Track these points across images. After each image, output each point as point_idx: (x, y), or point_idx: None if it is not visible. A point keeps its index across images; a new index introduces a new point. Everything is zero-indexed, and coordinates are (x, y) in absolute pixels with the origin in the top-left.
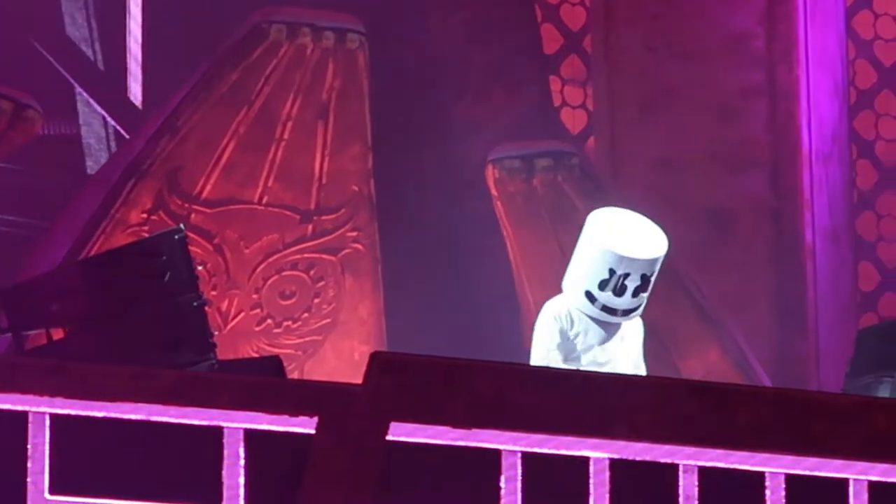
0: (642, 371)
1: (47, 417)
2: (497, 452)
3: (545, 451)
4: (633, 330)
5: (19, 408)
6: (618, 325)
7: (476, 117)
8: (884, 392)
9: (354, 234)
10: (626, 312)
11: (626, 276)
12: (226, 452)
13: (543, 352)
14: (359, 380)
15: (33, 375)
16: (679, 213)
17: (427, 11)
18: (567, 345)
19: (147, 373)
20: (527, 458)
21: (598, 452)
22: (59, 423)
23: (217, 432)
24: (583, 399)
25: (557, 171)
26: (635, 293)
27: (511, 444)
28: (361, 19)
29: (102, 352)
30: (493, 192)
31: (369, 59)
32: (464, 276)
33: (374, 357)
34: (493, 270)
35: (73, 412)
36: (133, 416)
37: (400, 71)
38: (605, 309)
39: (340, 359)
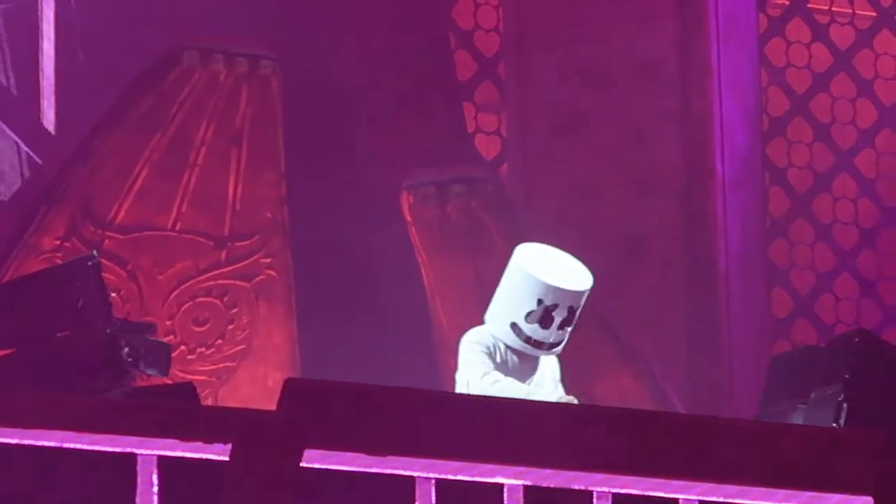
0: None
1: None
2: (411, 479)
3: (459, 477)
4: (549, 365)
5: None
6: (536, 359)
7: (390, 143)
8: (797, 419)
9: (268, 260)
10: (550, 346)
11: (555, 307)
12: (139, 479)
13: (477, 376)
14: (273, 406)
15: None
16: (593, 239)
17: (341, 37)
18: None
19: (60, 399)
20: (441, 485)
21: (512, 479)
22: None
23: (130, 459)
24: (496, 426)
25: (472, 198)
26: (561, 326)
27: (425, 472)
28: (275, 46)
29: (15, 378)
30: (408, 218)
31: (283, 85)
32: (378, 303)
33: (288, 383)
34: (407, 296)
35: None
36: (46, 443)
37: (314, 97)
38: (529, 341)
39: (254, 385)
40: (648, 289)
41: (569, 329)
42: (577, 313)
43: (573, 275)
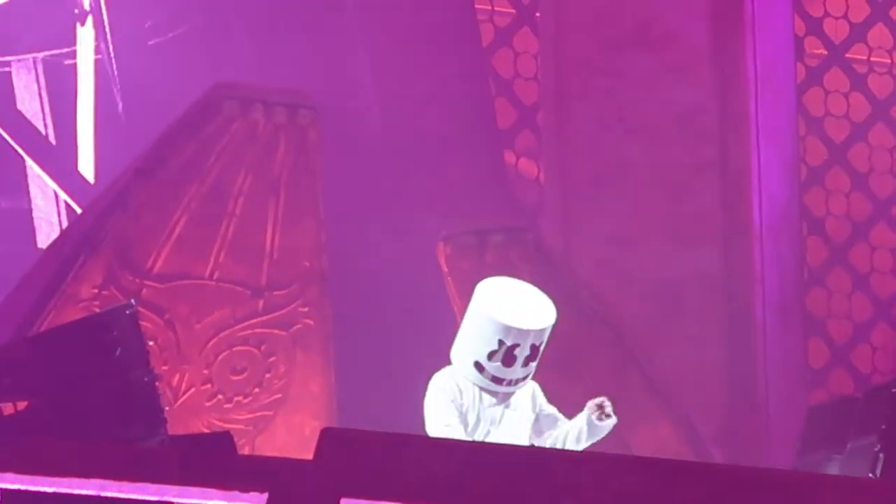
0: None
1: None
2: None
3: None
4: (525, 395)
5: None
6: (508, 394)
7: (430, 191)
8: (833, 469)
9: (305, 309)
10: (516, 382)
11: (516, 346)
12: None
13: (440, 426)
14: (309, 455)
15: None
16: (631, 288)
17: (382, 85)
18: (461, 417)
19: (97, 448)
20: None
21: None
22: (10, 499)
23: None
24: (531, 475)
25: (510, 247)
26: (525, 363)
27: None
28: (315, 94)
29: (53, 426)
30: (444, 268)
31: (321, 133)
32: (416, 352)
33: (325, 432)
34: (444, 346)
35: (23, 487)
36: (83, 492)
37: (355, 143)
38: (495, 380)
39: (291, 434)
40: (686, 338)
41: (533, 364)
42: (542, 348)
43: (535, 311)
